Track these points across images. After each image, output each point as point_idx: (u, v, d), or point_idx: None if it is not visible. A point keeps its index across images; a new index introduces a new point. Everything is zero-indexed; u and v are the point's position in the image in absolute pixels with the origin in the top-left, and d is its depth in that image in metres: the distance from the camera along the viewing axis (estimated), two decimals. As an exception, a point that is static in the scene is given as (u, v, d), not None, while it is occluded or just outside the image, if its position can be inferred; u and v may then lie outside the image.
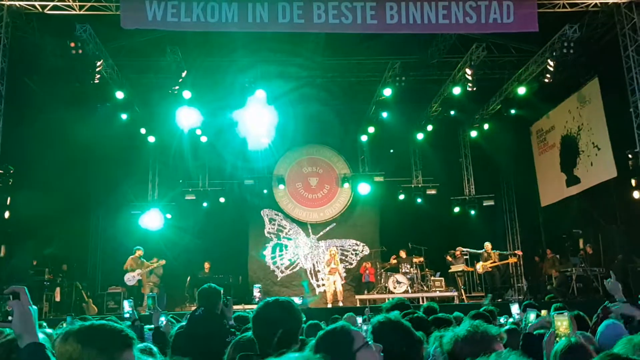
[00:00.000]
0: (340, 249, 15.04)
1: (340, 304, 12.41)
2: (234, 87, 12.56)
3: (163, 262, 12.60)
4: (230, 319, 3.90)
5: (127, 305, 4.78)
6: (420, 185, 15.42)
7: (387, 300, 4.21)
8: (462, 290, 13.52)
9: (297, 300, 5.27)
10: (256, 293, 6.37)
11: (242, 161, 14.64)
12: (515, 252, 14.05)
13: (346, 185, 15.41)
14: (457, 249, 13.96)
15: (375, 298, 13.04)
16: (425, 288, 13.36)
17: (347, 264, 15.07)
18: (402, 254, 14.03)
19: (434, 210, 14.80)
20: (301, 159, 15.86)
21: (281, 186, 15.24)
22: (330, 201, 15.64)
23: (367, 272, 14.25)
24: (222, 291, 3.96)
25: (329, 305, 12.31)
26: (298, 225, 15.45)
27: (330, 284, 12.57)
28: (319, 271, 14.67)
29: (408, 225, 14.82)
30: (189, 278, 13.22)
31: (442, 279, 13.59)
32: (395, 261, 14.01)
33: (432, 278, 13.61)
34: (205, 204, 14.62)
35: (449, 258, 14.09)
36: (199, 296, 3.90)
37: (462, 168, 16.03)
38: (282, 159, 15.72)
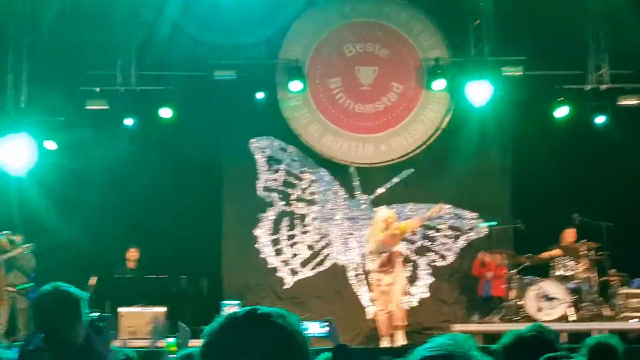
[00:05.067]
0: (422, 226, 15.14)
1: (399, 338, 12.80)
2: None
3: (30, 245, 13.12)
4: (107, 356, 4.33)
5: None
6: (604, 88, 15.26)
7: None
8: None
9: (313, 328, 5.65)
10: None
11: (209, 30, 14.78)
12: None
13: (439, 84, 15.37)
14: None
15: (496, 330, 13.01)
16: (608, 311, 13.51)
17: (434, 256, 15.39)
18: (567, 235, 14.24)
19: (634, 141, 14.72)
20: (341, 26, 15.91)
21: (295, 84, 15.25)
22: (404, 119, 15.68)
23: (490, 274, 14.47)
24: (83, 299, 4.29)
25: (384, 342, 12.91)
26: (330, 172, 15.76)
27: (381, 296, 13.14)
28: (371, 271, 14.36)
29: (575, 174, 15.07)
30: (93, 279, 13.47)
31: (649, 292, 13.90)
32: (552, 253, 14.21)
33: (624, 290, 13.76)
34: (129, 121, 14.96)
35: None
36: (32, 310, 4.63)
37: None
38: (298, 27, 15.86)
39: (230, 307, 5.62)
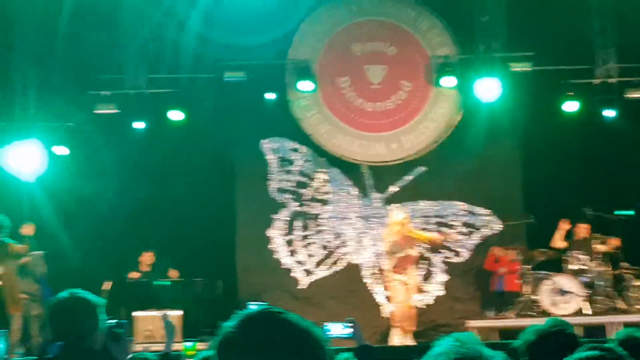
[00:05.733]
0: (437, 222, 15.50)
1: (409, 338, 13.10)
2: None
3: (40, 253, 13.26)
4: None
5: None
6: (612, 82, 15.21)
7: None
8: None
9: (336, 328, 5.68)
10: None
11: (220, 32, 14.84)
12: None
13: (449, 81, 15.37)
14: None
15: (512, 326, 13.39)
16: (621, 304, 13.61)
17: (447, 253, 15.40)
18: (580, 230, 14.26)
19: None
20: (349, 24, 15.97)
21: (306, 84, 15.31)
22: (414, 117, 15.74)
23: (503, 269, 14.55)
24: (101, 305, 4.32)
25: (396, 332, 13.14)
26: (342, 172, 15.81)
27: (398, 293, 13.30)
28: (386, 271, 14.57)
29: (586, 168, 15.16)
30: (109, 283, 13.51)
31: (661, 283, 13.95)
32: (560, 245, 14.22)
33: (638, 283, 13.88)
34: (140, 125, 15.07)
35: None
36: (49, 317, 4.46)
37: None
38: (307, 28, 15.90)
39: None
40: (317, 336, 2.10)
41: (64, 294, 4.31)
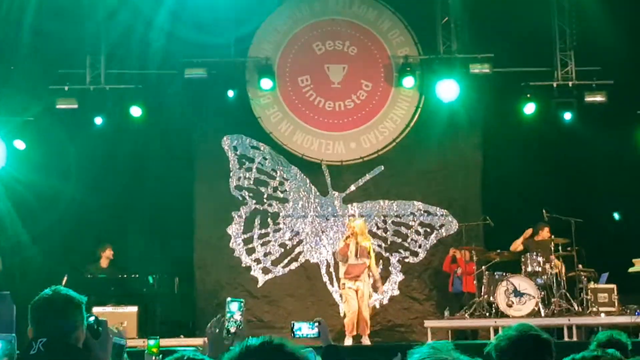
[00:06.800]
0: (393, 222, 15.55)
1: (366, 339, 13.21)
2: None
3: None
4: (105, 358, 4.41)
5: None
6: (571, 84, 15.37)
7: (501, 332, 4.49)
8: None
9: (303, 328, 5.52)
10: (237, 316, 5.71)
11: (180, 27, 14.90)
12: None
13: (409, 81, 15.44)
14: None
15: (467, 326, 13.80)
16: (575, 307, 13.70)
17: (405, 253, 15.49)
18: (543, 232, 14.40)
19: (601, 137, 14.76)
20: (310, 23, 16.02)
21: (266, 82, 15.35)
22: (374, 117, 15.76)
23: (460, 270, 14.67)
24: (83, 302, 4.32)
25: (349, 341, 13.23)
26: (302, 170, 15.85)
27: (350, 298, 13.35)
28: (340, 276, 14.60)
29: (544, 170, 15.26)
30: (65, 278, 13.29)
31: (614, 287, 13.94)
32: (519, 249, 14.42)
33: (593, 286, 13.98)
34: (98, 120, 15.04)
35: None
36: (32, 314, 4.33)
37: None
38: (268, 26, 15.96)
39: (234, 304, 5.48)
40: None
41: (47, 291, 4.31)
